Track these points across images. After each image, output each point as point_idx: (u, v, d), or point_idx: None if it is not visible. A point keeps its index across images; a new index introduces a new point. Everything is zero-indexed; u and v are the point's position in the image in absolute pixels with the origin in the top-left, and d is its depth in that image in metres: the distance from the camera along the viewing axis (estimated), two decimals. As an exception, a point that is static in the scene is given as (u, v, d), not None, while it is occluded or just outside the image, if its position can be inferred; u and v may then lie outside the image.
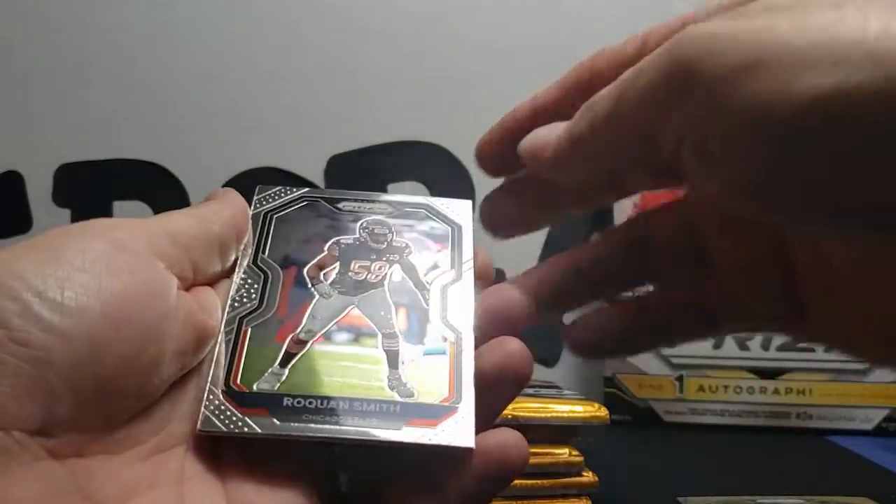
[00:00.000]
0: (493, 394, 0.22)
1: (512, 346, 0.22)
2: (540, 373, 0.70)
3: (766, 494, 0.43)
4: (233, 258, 0.24)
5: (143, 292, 0.20)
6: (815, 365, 0.61)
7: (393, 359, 0.22)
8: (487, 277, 0.26)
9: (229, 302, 0.23)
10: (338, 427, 0.20)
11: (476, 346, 0.23)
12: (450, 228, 0.26)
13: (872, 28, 0.14)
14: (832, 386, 0.61)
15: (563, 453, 0.40)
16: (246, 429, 0.20)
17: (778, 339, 0.61)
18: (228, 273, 0.24)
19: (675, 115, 0.18)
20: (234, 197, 0.25)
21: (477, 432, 0.21)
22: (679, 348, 0.62)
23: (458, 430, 0.21)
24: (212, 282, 0.24)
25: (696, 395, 0.62)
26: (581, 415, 0.41)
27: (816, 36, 0.15)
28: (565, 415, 0.41)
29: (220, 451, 0.21)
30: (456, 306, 0.24)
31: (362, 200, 0.27)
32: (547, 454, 0.40)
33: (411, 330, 0.23)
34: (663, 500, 0.42)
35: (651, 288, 0.25)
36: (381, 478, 0.22)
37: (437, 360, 0.22)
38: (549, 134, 0.22)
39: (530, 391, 0.45)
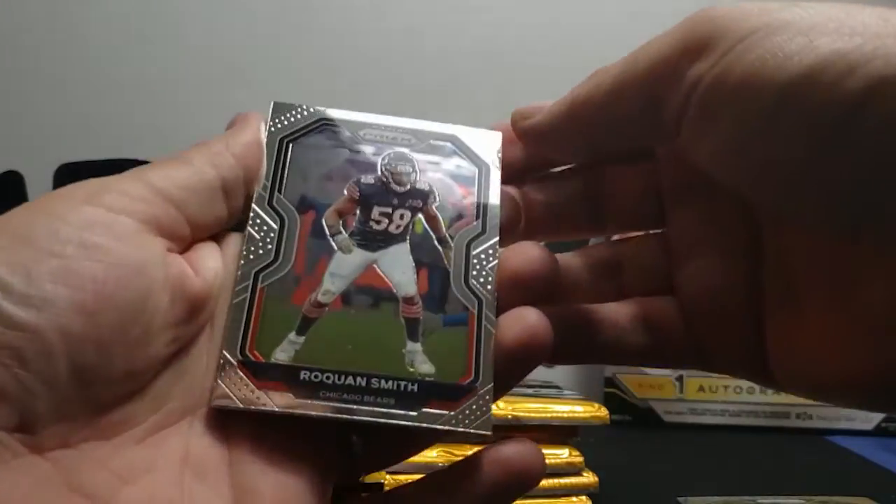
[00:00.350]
0: (511, 368, 0.21)
1: (533, 319, 0.21)
2: (540, 373, 0.70)
3: (767, 494, 0.43)
4: (242, 200, 0.22)
5: (121, 272, 0.18)
6: (815, 365, 0.61)
7: (412, 329, 0.21)
8: (514, 222, 0.24)
9: (243, 253, 0.21)
10: (354, 406, 0.20)
11: (497, 311, 0.22)
12: (477, 169, 0.24)
13: (893, 19, 0.16)
14: (832, 386, 0.61)
15: (564, 453, 0.40)
16: (263, 405, 0.20)
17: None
18: (239, 214, 0.22)
19: (689, 74, 0.18)
20: (249, 127, 0.23)
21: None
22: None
23: (476, 415, 0.20)
24: (218, 228, 0.22)
25: (696, 395, 0.62)
26: (581, 415, 0.41)
27: (835, 12, 0.16)
28: (565, 415, 0.41)
29: (228, 424, 0.20)
30: (479, 267, 0.22)
31: (385, 128, 0.24)
32: (547, 454, 0.40)
33: (432, 294, 0.22)
34: (663, 501, 0.42)
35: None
36: (394, 444, 0.22)
37: (457, 331, 0.21)
38: (545, 104, 0.23)
39: (530, 391, 0.45)
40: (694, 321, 0.23)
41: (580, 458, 0.40)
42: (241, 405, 0.20)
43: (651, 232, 0.25)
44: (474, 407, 0.20)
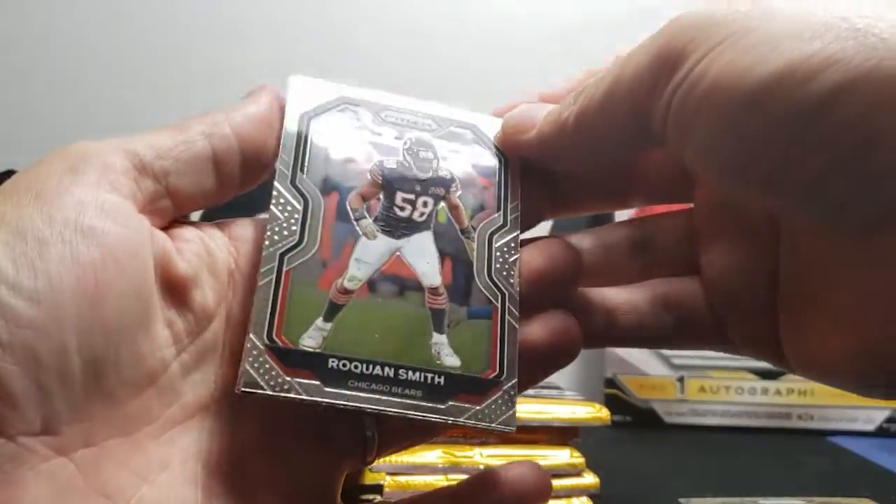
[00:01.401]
0: (538, 367, 0.22)
1: (562, 323, 0.21)
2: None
3: (768, 495, 0.43)
4: (237, 175, 0.21)
5: (118, 254, 0.18)
6: (816, 365, 0.60)
7: (438, 320, 0.21)
8: (543, 200, 0.24)
9: (267, 233, 0.21)
10: (382, 398, 0.20)
11: (522, 306, 0.22)
12: (497, 161, 0.24)
13: (861, 12, 0.15)
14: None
15: (564, 454, 0.40)
16: (291, 392, 0.20)
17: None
18: (234, 191, 0.21)
19: (666, 89, 0.18)
20: (257, 100, 0.22)
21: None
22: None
23: (502, 410, 0.21)
24: (205, 202, 0.21)
25: (698, 396, 0.62)
26: (582, 416, 0.41)
27: (804, 14, 0.16)
28: (566, 416, 0.40)
29: (239, 419, 0.20)
30: (501, 261, 0.22)
31: (405, 111, 0.24)
32: (548, 456, 0.40)
33: (456, 286, 0.22)
34: (665, 502, 0.42)
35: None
36: (407, 430, 0.23)
37: (481, 324, 0.22)
38: (536, 114, 0.23)
39: (531, 392, 0.45)
40: (716, 302, 0.23)
41: (581, 460, 0.40)
42: (269, 391, 0.19)
43: (677, 210, 0.25)
44: (500, 402, 0.21)
